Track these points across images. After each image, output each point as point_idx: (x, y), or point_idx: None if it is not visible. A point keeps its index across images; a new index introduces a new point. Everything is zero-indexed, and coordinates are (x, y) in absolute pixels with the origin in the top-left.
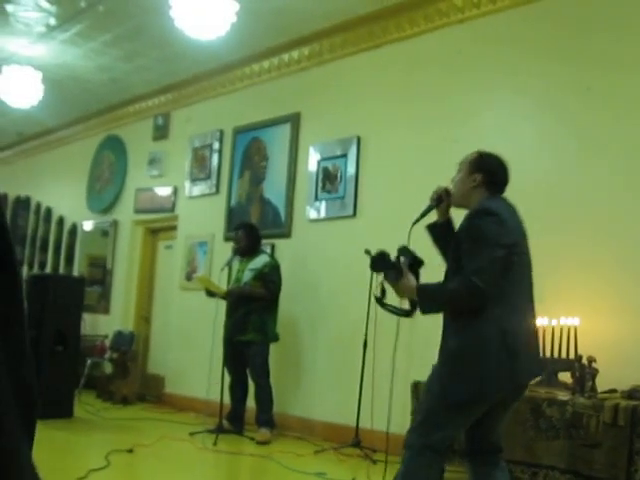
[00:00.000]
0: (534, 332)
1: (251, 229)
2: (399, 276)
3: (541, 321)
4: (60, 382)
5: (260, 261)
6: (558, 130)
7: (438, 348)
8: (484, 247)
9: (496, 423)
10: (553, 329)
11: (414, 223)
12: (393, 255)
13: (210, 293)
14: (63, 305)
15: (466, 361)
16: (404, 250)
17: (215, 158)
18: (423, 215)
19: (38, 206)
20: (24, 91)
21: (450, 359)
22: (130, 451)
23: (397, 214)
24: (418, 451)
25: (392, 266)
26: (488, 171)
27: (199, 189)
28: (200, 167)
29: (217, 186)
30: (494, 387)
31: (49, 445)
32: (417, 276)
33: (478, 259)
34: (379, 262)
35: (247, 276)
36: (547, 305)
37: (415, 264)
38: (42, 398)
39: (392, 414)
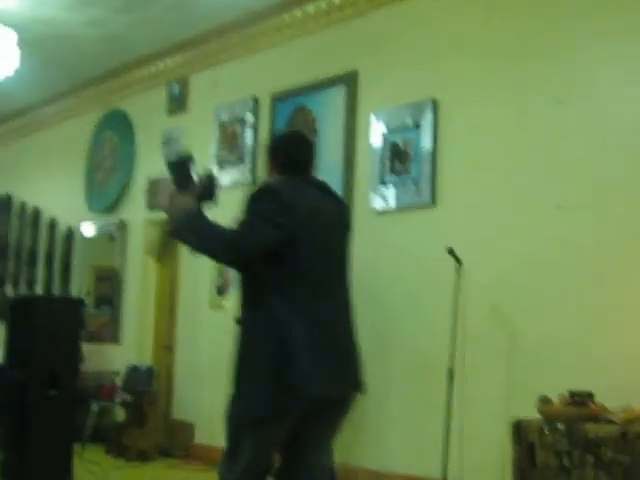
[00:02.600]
0: (342, 332)
1: None
2: (186, 188)
3: None
4: (55, 436)
5: None
6: None
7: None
8: (255, 219)
9: (316, 440)
10: None
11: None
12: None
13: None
14: (56, 336)
15: (241, 370)
16: (210, 177)
17: (249, 135)
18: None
19: (22, 207)
20: None
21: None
22: None
23: (488, 200)
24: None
25: (187, 174)
26: (279, 154)
27: (230, 176)
28: (230, 147)
29: (253, 172)
30: (267, 406)
31: None
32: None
33: (246, 226)
34: (180, 166)
35: None
36: None
37: (208, 193)
38: (31, 458)
39: (488, 463)
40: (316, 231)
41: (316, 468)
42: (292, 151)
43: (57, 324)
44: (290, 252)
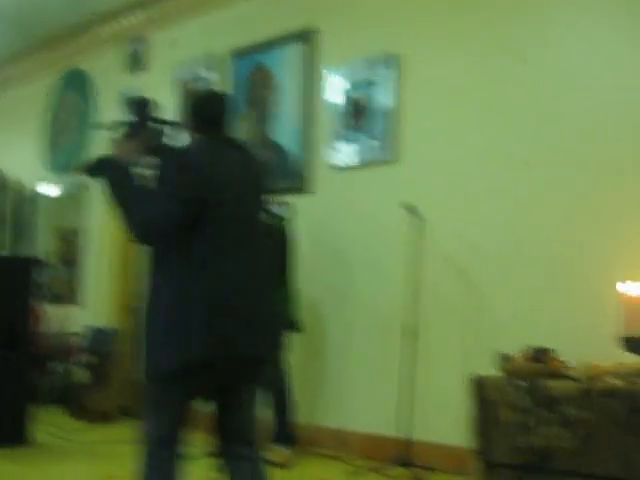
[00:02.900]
0: (252, 294)
1: None
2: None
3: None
4: (11, 396)
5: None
6: None
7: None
8: (169, 189)
9: (231, 411)
10: None
11: None
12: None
13: None
14: (8, 295)
15: (148, 331)
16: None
17: None
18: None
19: None
20: None
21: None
22: None
23: (451, 157)
24: (142, 447)
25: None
26: (196, 114)
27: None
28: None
29: None
30: (170, 363)
31: None
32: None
33: (161, 203)
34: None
35: None
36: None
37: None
38: None
39: (448, 419)
40: (228, 196)
41: (240, 439)
42: (207, 109)
43: (9, 283)
44: (197, 217)
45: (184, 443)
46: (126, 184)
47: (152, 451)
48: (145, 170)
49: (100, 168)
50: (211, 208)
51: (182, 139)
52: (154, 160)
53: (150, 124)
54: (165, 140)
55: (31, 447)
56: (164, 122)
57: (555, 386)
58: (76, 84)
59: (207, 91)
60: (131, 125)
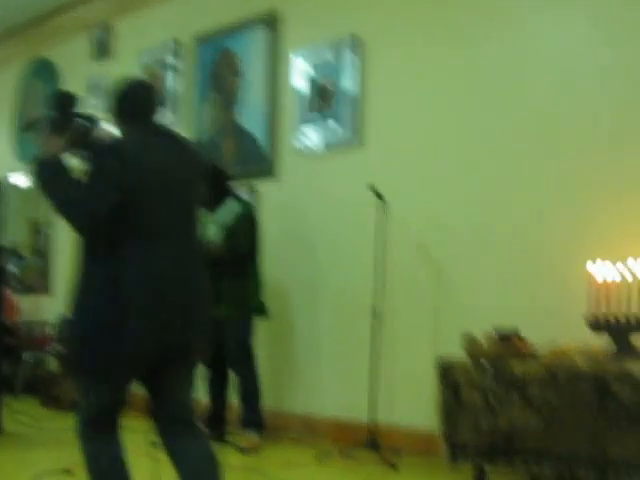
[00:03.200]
0: (182, 284)
1: (212, 174)
2: (61, 129)
3: (602, 266)
4: None
5: (227, 210)
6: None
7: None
8: (98, 179)
9: (167, 390)
10: (622, 275)
11: None
12: None
13: None
14: None
15: (73, 322)
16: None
17: (170, 77)
18: None
19: None
20: None
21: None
22: (67, 471)
23: (414, 139)
24: (80, 431)
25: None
26: (120, 106)
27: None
28: None
29: (177, 115)
30: (98, 351)
31: None
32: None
33: (90, 191)
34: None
35: (212, 232)
36: (612, 244)
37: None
38: None
39: (416, 403)
40: (157, 185)
41: (179, 417)
42: (132, 99)
43: None
44: (128, 207)
45: (120, 425)
46: (57, 177)
47: (89, 434)
48: (76, 164)
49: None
50: (140, 198)
51: (109, 133)
52: (84, 154)
53: (75, 119)
54: (95, 134)
55: (2, 435)
56: (87, 118)
57: (519, 367)
58: (42, 73)
59: (131, 81)
60: (55, 121)
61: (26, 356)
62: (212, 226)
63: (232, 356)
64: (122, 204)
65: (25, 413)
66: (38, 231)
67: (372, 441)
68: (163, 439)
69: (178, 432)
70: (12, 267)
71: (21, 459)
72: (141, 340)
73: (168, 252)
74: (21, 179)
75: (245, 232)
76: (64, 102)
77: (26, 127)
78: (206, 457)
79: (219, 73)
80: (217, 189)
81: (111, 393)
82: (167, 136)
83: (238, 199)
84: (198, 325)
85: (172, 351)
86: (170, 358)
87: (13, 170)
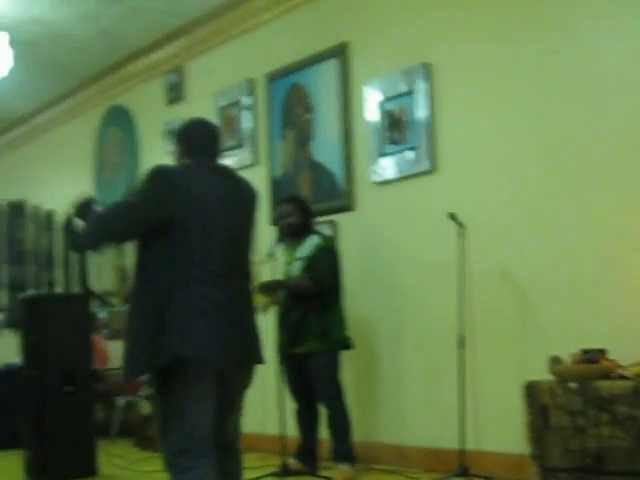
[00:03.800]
0: (239, 314)
1: (302, 201)
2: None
3: None
4: (75, 432)
5: (310, 245)
6: None
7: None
8: (137, 198)
9: (220, 415)
10: None
11: None
12: None
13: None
14: (68, 332)
15: (129, 338)
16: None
17: (247, 118)
18: None
19: (36, 211)
20: None
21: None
22: None
23: (487, 162)
24: (173, 464)
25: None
26: (184, 141)
27: (232, 161)
28: (230, 132)
29: (254, 154)
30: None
31: None
32: None
33: (125, 206)
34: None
35: (296, 267)
36: None
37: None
38: (53, 455)
39: (505, 428)
40: (202, 213)
41: (222, 444)
42: (194, 137)
43: (66, 320)
44: (173, 230)
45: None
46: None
47: (184, 464)
48: None
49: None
50: (188, 223)
51: None
52: None
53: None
54: None
55: (98, 478)
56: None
57: (606, 386)
58: (119, 120)
59: (194, 120)
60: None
61: (118, 401)
62: (296, 262)
63: (321, 390)
64: (165, 224)
65: (120, 456)
66: (124, 278)
67: (463, 468)
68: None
69: (226, 468)
70: (101, 313)
71: None
72: (210, 354)
73: (219, 285)
74: None
75: (328, 265)
76: (85, 207)
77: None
78: None
79: (291, 109)
80: (307, 220)
81: (197, 416)
82: (222, 174)
83: (319, 234)
84: (248, 349)
85: (232, 370)
86: (228, 380)
87: None
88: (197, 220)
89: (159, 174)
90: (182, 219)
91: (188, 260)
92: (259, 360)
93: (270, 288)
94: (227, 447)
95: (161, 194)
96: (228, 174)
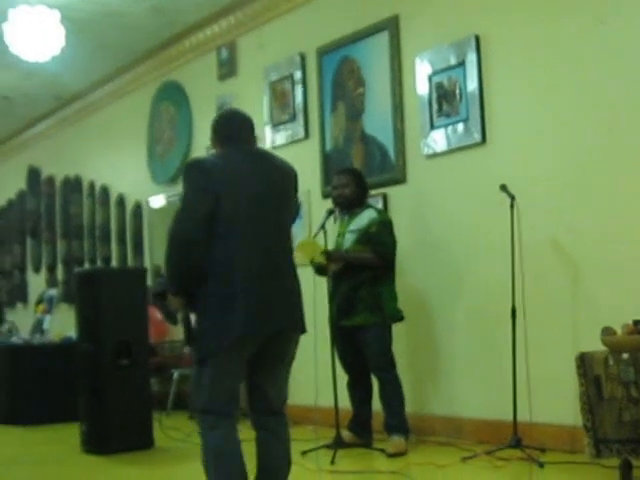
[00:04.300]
0: (278, 284)
1: (358, 174)
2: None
3: None
4: (132, 405)
5: (364, 218)
6: None
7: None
8: (187, 196)
9: (261, 381)
10: None
11: None
12: None
13: (320, 268)
14: (121, 306)
15: (197, 314)
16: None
17: (299, 92)
18: None
19: (92, 186)
20: (41, 39)
21: None
22: None
23: (538, 133)
24: (201, 420)
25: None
26: (216, 130)
27: (284, 135)
28: (282, 106)
29: (306, 128)
30: (209, 344)
31: None
32: None
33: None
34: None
35: (348, 240)
36: None
37: None
38: (110, 427)
39: (559, 400)
40: (241, 192)
41: (269, 409)
42: (226, 127)
43: (121, 294)
44: (219, 209)
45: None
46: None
47: (209, 422)
48: None
49: None
50: (226, 202)
51: None
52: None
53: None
54: None
55: (155, 451)
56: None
57: None
58: (173, 95)
59: (224, 111)
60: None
61: (174, 374)
62: (349, 235)
63: (373, 363)
64: (206, 225)
65: (175, 428)
66: None
67: (516, 439)
68: (256, 432)
69: (269, 428)
70: (157, 288)
71: (173, 473)
72: (246, 324)
73: (259, 253)
74: (156, 200)
75: (392, 240)
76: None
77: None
78: (283, 457)
79: (342, 83)
80: (362, 193)
81: (223, 380)
82: (256, 156)
83: (374, 208)
84: (291, 315)
85: (271, 337)
86: (268, 346)
87: (151, 194)
88: (233, 199)
89: (193, 166)
90: (221, 199)
91: (228, 236)
92: (298, 328)
93: (335, 258)
94: (272, 411)
95: (200, 182)
96: (260, 155)
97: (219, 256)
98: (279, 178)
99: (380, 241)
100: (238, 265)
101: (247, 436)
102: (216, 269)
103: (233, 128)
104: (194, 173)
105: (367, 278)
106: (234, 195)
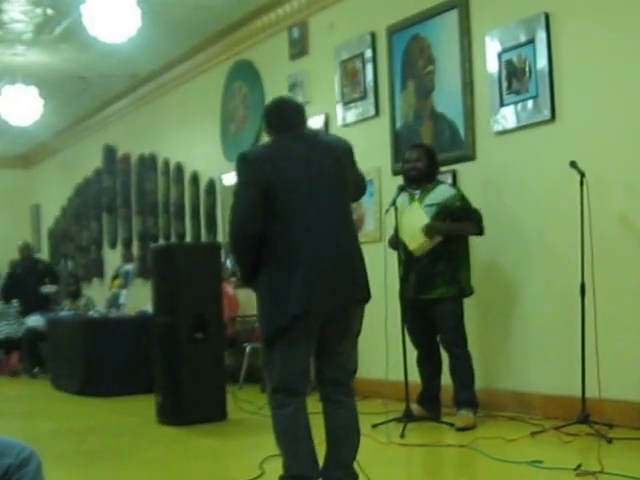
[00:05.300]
0: (336, 257)
1: (429, 149)
2: None
3: None
4: (206, 377)
5: (441, 193)
6: None
7: None
8: (239, 191)
9: (328, 354)
10: None
11: None
12: None
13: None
14: (197, 281)
15: (257, 298)
16: None
17: (369, 70)
18: None
19: (166, 164)
20: (117, 20)
21: None
22: None
23: (607, 110)
24: (271, 399)
25: None
26: (267, 120)
27: (354, 113)
28: (353, 85)
29: (376, 106)
30: (270, 325)
31: (195, 454)
32: None
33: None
34: None
35: (427, 214)
36: None
37: None
38: (185, 399)
39: (628, 376)
40: (291, 175)
41: (334, 381)
42: (275, 115)
43: (196, 269)
44: (272, 195)
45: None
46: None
47: (279, 400)
48: None
49: None
50: (279, 186)
51: None
52: None
53: None
54: None
55: (228, 422)
56: None
57: None
58: (245, 75)
59: (273, 100)
60: None
61: (247, 348)
62: (426, 209)
63: (446, 337)
64: (260, 215)
65: (248, 401)
66: None
67: (584, 415)
68: (323, 404)
69: (335, 398)
70: (230, 263)
71: (246, 444)
72: (308, 300)
73: (316, 232)
74: (232, 179)
75: (475, 208)
76: None
77: None
78: (349, 426)
79: (412, 61)
80: (434, 168)
81: (290, 358)
82: (304, 136)
83: (446, 183)
84: (351, 287)
85: (335, 310)
86: (333, 320)
87: (224, 171)
88: (285, 184)
89: (238, 160)
90: (273, 186)
91: (284, 219)
92: (360, 299)
93: (436, 230)
94: (337, 382)
95: (247, 175)
96: (310, 138)
97: (277, 240)
98: (331, 157)
99: (473, 211)
100: (296, 246)
101: (316, 408)
102: (276, 251)
103: (283, 116)
104: (240, 167)
105: (446, 252)
106: (286, 181)
